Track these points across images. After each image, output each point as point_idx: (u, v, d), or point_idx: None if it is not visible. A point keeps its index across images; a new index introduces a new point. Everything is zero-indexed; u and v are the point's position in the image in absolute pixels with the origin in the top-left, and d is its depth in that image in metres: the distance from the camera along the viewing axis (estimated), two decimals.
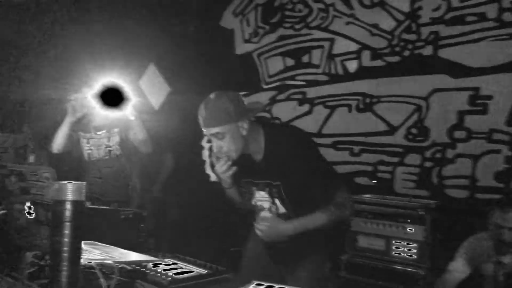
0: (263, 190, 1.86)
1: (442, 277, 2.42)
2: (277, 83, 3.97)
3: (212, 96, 1.73)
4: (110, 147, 3.09)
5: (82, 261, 1.24)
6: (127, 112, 2.85)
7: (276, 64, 3.98)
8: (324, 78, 3.69)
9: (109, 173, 3.08)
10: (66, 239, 1.18)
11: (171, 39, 4.66)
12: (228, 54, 4.30)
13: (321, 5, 3.69)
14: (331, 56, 3.64)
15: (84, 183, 1.21)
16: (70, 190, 1.19)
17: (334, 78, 3.62)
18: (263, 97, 4.04)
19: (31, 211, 1.22)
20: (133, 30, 4.92)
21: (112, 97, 2.75)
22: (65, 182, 1.17)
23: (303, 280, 1.82)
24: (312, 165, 1.76)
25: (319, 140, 3.65)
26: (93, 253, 1.38)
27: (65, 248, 1.18)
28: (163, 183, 4.30)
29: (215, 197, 2.17)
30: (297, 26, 3.83)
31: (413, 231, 2.61)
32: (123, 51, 4.92)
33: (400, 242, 2.66)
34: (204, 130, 1.75)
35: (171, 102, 4.75)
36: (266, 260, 1.96)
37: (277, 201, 1.84)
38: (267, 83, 4.05)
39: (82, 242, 1.27)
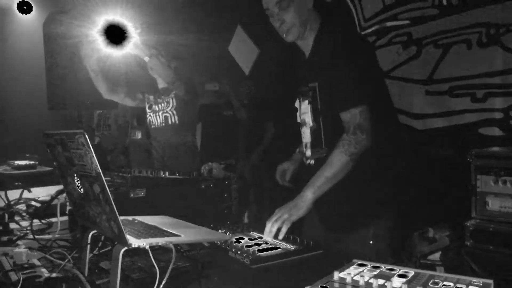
0: (307, 98, 1.70)
1: None
2: (376, 27, 3.45)
3: None
4: (166, 113, 2.73)
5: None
6: (140, 52, 2.45)
7: (373, 5, 3.45)
8: (433, 12, 3.07)
9: (167, 144, 2.74)
10: None
11: None
12: (317, 2, 3.86)
13: None
14: None
15: None
16: None
17: (447, 10, 2.99)
18: None
19: (79, 185, 1.07)
20: None
21: (115, 35, 2.43)
22: None
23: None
24: (350, 66, 1.58)
25: (431, 88, 3.10)
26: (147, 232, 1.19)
27: None
28: (263, 152, 4.19)
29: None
30: None
31: None
32: (209, 17, 4.80)
33: None
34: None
35: (261, 65, 4.51)
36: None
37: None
38: (363, 29, 3.55)
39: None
